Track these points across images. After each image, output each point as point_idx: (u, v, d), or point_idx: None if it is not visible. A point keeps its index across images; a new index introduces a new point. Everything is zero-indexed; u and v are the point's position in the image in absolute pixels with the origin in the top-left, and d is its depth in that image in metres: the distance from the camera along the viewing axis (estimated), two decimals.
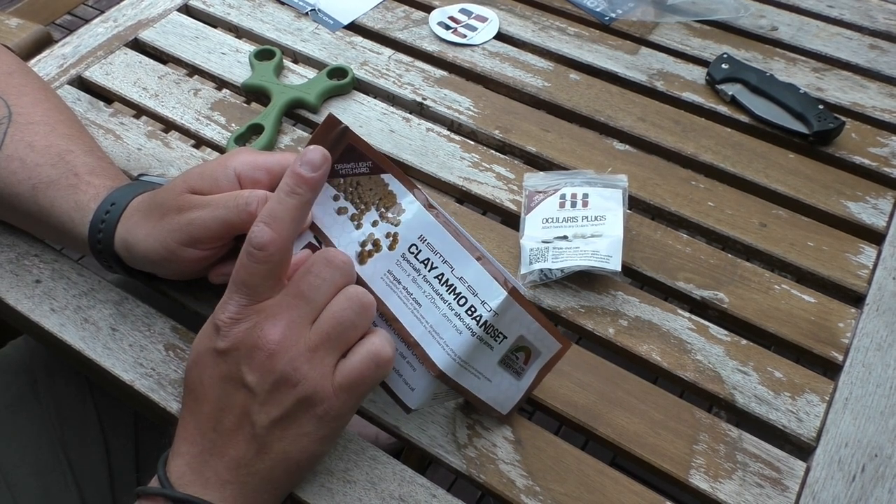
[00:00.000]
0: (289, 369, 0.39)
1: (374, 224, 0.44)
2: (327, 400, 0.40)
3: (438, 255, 0.42)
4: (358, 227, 0.44)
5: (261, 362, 0.39)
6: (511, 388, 0.46)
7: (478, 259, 0.41)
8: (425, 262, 0.42)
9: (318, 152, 0.41)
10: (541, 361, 0.45)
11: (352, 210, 0.44)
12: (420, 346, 0.42)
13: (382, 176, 0.44)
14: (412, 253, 0.43)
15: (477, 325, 0.41)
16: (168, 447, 0.42)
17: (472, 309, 0.41)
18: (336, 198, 0.45)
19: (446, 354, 0.41)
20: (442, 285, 0.42)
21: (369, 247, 0.44)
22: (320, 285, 0.40)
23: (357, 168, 0.45)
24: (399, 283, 0.43)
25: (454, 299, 0.42)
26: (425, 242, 0.43)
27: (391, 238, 0.43)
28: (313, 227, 0.45)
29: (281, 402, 0.39)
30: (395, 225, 0.43)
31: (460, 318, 0.41)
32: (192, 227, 0.44)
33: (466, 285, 0.41)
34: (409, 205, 0.44)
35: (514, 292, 0.41)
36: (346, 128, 0.44)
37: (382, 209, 0.44)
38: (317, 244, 0.45)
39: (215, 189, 0.45)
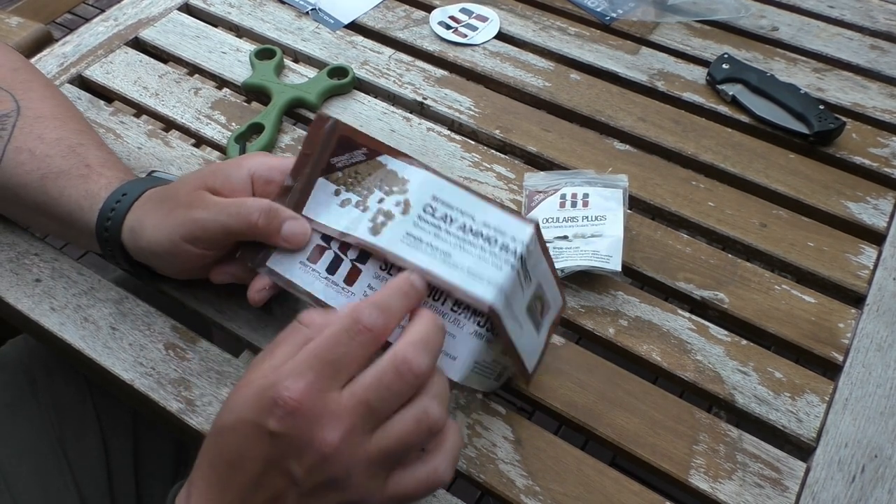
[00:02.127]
0: (342, 475, 0.36)
1: (381, 201, 0.44)
2: None
3: (455, 209, 0.42)
4: (364, 210, 0.44)
5: (312, 462, 0.36)
6: (533, 341, 0.45)
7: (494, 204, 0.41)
8: (444, 217, 0.42)
9: (419, 278, 0.40)
10: (551, 316, 0.45)
11: (355, 199, 0.44)
12: (462, 289, 0.40)
13: (379, 159, 0.44)
14: (428, 213, 0.42)
15: (514, 258, 0.41)
16: (177, 477, 0.40)
17: (505, 246, 0.41)
18: (337, 192, 0.45)
19: (493, 288, 0.40)
20: (467, 233, 0.41)
21: (381, 219, 0.43)
22: (390, 398, 0.37)
23: (353, 157, 0.45)
24: (421, 241, 0.42)
25: (485, 242, 0.41)
26: (439, 201, 0.42)
27: (402, 205, 0.43)
28: (319, 227, 0.44)
29: (322, 500, 0.37)
30: (404, 193, 0.43)
31: (496, 256, 0.40)
32: (194, 226, 0.44)
33: (492, 228, 0.41)
34: (413, 174, 0.44)
35: (537, 228, 0.41)
36: (336, 121, 0.44)
37: (386, 187, 0.44)
38: (325, 244, 0.45)
39: (227, 186, 0.46)
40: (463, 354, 0.41)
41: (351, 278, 0.43)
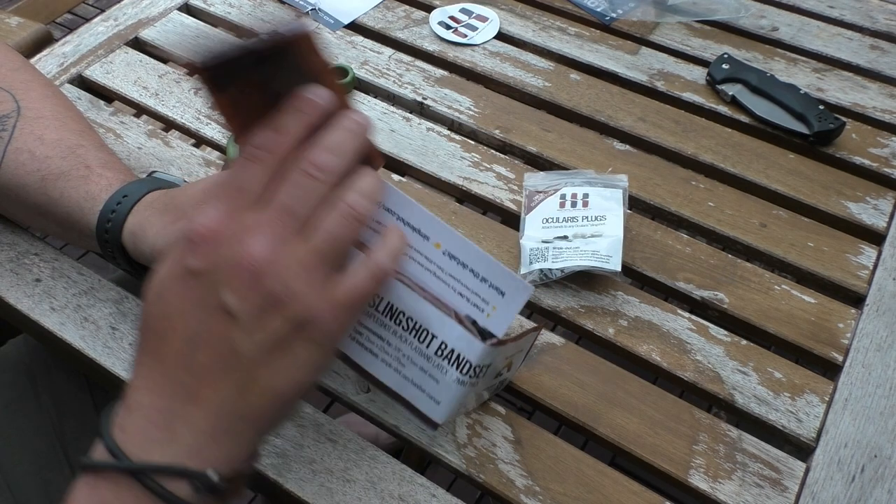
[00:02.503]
0: (279, 287, 0.33)
1: None
2: (323, 320, 0.34)
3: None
4: None
5: (245, 282, 0.33)
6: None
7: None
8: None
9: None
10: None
11: None
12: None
13: None
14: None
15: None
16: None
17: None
18: None
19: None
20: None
21: None
22: (306, 198, 0.35)
23: None
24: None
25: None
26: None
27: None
28: None
29: (270, 326, 0.33)
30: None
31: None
32: None
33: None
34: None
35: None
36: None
37: None
38: None
39: None
40: (446, 399, 0.41)
41: None
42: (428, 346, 0.41)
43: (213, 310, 0.33)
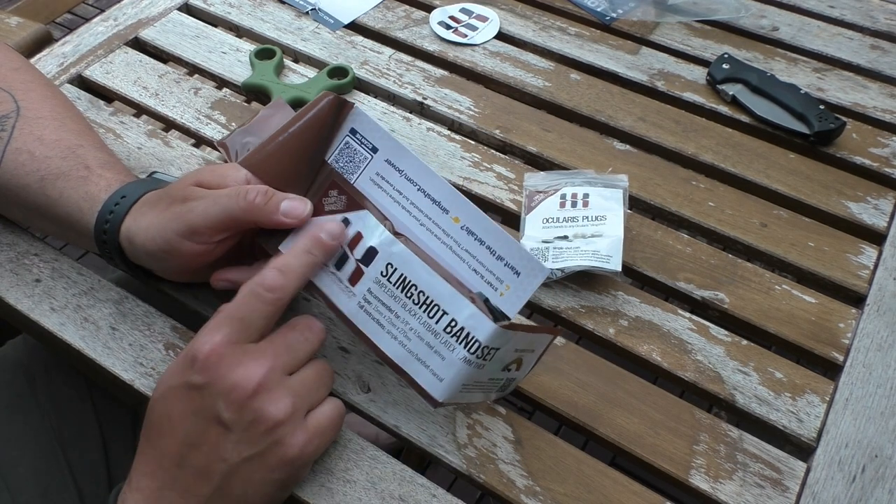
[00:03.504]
0: (270, 409, 0.39)
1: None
2: (299, 444, 0.41)
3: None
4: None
5: (239, 400, 0.39)
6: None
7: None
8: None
9: (338, 226, 0.44)
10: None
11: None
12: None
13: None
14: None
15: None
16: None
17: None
18: None
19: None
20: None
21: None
22: (303, 345, 0.43)
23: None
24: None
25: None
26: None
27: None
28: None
29: (256, 441, 0.40)
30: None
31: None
32: (191, 215, 0.44)
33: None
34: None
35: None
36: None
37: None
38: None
39: (222, 184, 0.46)
40: (450, 377, 0.41)
41: (354, 278, 0.43)
42: (437, 322, 0.41)
43: (209, 419, 0.39)
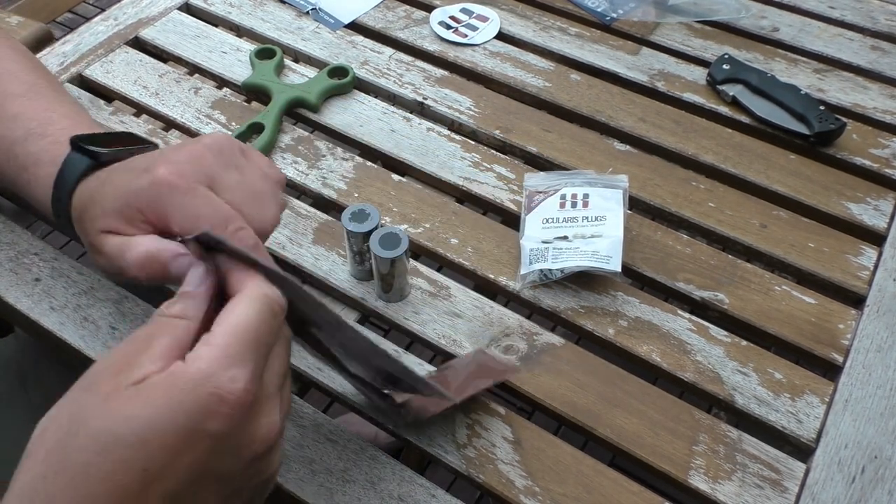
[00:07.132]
0: (275, 464, 0.35)
1: None
2: (276, 472, 0.36)
3: None
4: None
5: (255, 454, 0.33)
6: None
7: None
8: None
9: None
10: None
11: None
12: None
13: None
14: None
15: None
16: None
17: None
18: None
19: None
20: None
21: None
22: (286, 370, 0.36)
23: None
24: None
25: None
26: None
27: None
28: None
29: (253, 482, 0.34)
30: None
31: None
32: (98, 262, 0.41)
33: None
34: None
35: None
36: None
37: None
38: None
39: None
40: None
41: None
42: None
43: (208, 481, 0.32)
